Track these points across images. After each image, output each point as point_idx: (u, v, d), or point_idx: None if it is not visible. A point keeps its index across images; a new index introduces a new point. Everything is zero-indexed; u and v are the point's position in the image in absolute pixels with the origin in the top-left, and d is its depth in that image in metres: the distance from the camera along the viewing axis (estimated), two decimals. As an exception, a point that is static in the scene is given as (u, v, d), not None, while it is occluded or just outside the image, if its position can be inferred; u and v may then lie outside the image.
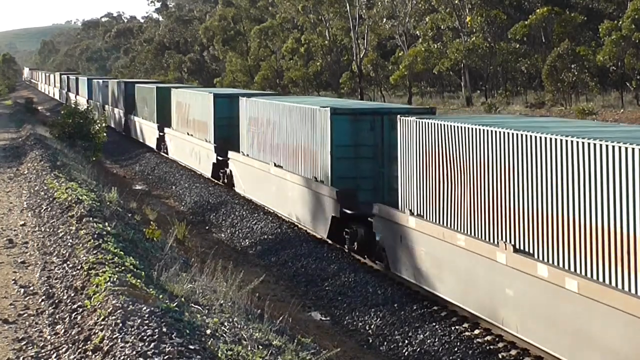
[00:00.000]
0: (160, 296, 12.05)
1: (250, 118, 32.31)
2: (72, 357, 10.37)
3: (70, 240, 16.52)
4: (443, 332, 17.30)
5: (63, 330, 11.62)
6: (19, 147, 40.23)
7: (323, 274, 22.66)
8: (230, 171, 35.34)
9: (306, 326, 17.91)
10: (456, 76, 73.37)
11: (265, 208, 30.39)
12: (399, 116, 20.63)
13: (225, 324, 11.81)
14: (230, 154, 35.09)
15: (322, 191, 24.44)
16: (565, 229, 14.00)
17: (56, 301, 13.19)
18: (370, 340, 18.02)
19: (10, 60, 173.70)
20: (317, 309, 20.36)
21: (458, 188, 17.61)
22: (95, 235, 16.07)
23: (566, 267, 13.94)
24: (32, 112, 74.53)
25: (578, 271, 13.64)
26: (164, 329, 10.10)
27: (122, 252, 14.82)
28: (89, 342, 10.36)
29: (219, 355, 10.06)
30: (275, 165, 28.74)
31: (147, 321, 10.38)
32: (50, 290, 13.91)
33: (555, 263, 14.24)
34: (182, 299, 12.50)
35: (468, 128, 17.25)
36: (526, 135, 15.23)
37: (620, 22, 53.88)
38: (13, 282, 14.91)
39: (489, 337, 16.69)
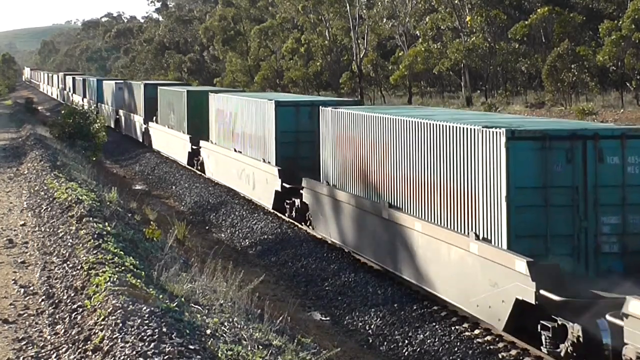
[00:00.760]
0: (160, 296, 12.05)
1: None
2: (72, 357, 10.37)
3: (70, 240, 16.52)
4: (443, 332, 17.30)
5: (63, 330, 11.62)
6: (19, 147, 40.23)
7: (323, 274, 22.67)
8: (308, 205, 26.30)
9: (306, 326, 17.91)
10: (456, 76, 73.35)
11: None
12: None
13: (225, 324, 11.81)
14: (305, 182, 26.03)
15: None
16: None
17: (56, 301, 13.18)
18: (370, 340, 18.01)
19: (10, 60, 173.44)
20: (317, 309, 20.36)
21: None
22: (95, 235, 16.07)
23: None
24: (32, 112, 74.50)
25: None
26: (164, 329, 10.10)
27: (122, 252, 14.82)
28: (89, 342, 10.36)
29: (219, 355, 10.06)
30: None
31: (147, 321, 10.38)
32: (50, 290, 13.91)
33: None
34: (182, 299, 12.50)
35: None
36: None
37: (620, 22, 53.87)
38: (13, 282, 14.91)
39: (489, 337, 16.69)
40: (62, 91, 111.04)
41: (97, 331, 10.52)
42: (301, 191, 26.56)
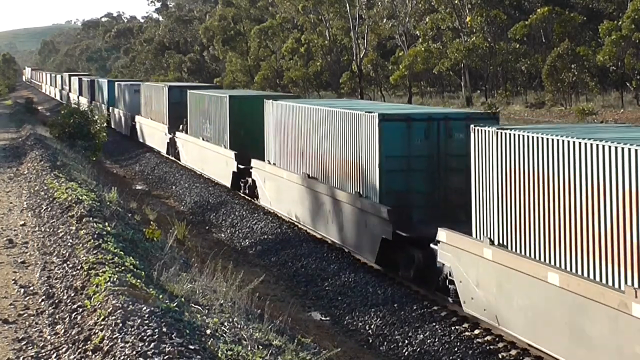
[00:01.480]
0: (160, 296, 12.05)
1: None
2: (72, 357, 10.37)
3: (70, 240, 16.51)
4: (443, 332, 17.30)
5: (63, 330, 11.62)
6: (19, 147, 40.21)
7: (323, 274, 22.67)
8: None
9: (306, 326, 17.92)
10: (456, 76, 73.35)
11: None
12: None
13: (225, 324, 11.81)
14: (446, 235, 18.28)
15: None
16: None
17: (56, 301, 13.18)
18: (370, 340, 18.02)
19: (10, 60, 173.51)
20: (317, 309, 20.36)
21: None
22: (95, 235, 16.06)
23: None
24: (32, 112, 74.46)
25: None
26: (164, 329, 10.10)
27: (122, 252, 14.81)
28: (89, 342, 10.36)
29: (219, 355, 10.06)
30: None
31: (147, 321, 10.37)
32: (50, 290, 13.91)
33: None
34: (182, 299, 12.50)
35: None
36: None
37: (620, 22, 53.87)
38: (13, 282, 14.91)
39: (489, 337, 16.70)
40: (67, 93, 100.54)
41: (97, 331, 10.52)
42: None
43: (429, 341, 17.12)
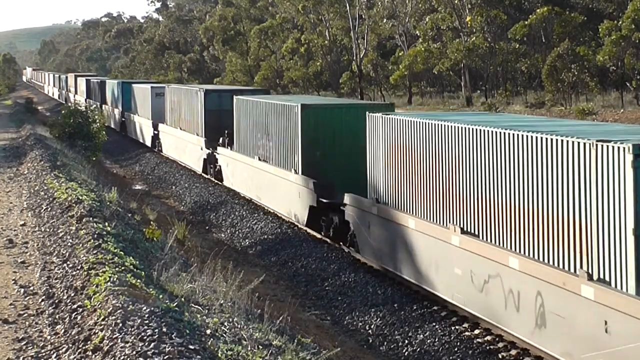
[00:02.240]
0: (160, 296, 12.05)
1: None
2: (72, 357, 10.37)
3: (70, 240, 16.51)
4: (443, 332, 17.30)
5: (63, 330, 11.62)
6: (19, 147, 40.21)
7: (323, 274, 22.67)
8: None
9: (306, 326, 17.91)
10: (456, 76, 73.37)
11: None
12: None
13: (225, 324, 11.81)
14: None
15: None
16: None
17: (56, 301, 13.18)
18: (370, 340, 18.02)
19: (10, 60, 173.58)
20: (317, 309, 20.35)
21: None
22: (95, 235, 16.06)
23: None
24: (32, 112, 74.45)
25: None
26: (164, 329, 10.10)
27: (122, 252, 14.81)
28: (89, 342, 10.36)
29: (219, 355, 10.06)
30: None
31: (147, 321, 10.37)
32: (50, 290, 13.91)
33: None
34: (182, 299, 12.50)
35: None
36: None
37: (620, 22, 53.89)
38: (13, 282, 14.90)
39: (489, 337, 16.70)
40: (73, 96, 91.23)
41: (97, 331, 10.52)
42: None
43: (429, 341, 17.12)
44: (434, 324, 17.82)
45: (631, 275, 12.56)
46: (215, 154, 37.35)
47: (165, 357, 9.24)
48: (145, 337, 9.81)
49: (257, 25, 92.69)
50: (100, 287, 12.11)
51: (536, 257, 14.80)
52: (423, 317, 18.32)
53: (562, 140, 14.05)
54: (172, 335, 9.94)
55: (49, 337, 11.60)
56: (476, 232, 16.99)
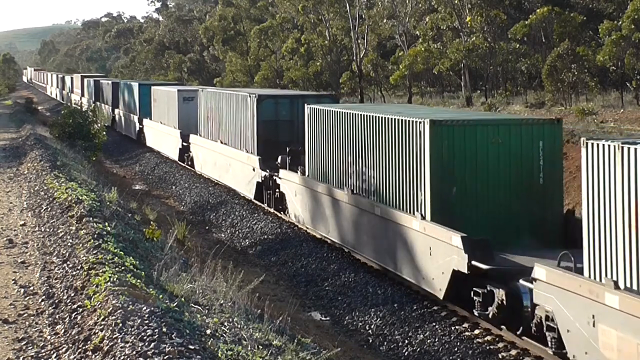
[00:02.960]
0: (160, 296, 12.05)
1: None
2: (72, 357, 10.37)
3: (70, 240, 16.52)
4: (443, 332, 17.30)
5: (63, 330, 11.62)
6: (19, 147, 40.22)
7: (323, 274, 22.67)
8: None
9: (306, 326, 17.91)
10: (456, 76, 73.36)
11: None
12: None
13: (225, 324, 11.81)
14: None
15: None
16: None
17: (56, 301, 13.18)
18: (370, 340, 18.02)
19: (10, 60, 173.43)
20: (317, 309, 20.36)
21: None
22: (95, 235, 16.06)
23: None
24: (32, 112, 74.42)
25: None
26: (164, 329, 10.10)
27: (122, 252, 14.81)
28: (89, 342, 10.36)
29: (219, 355, 10.06)
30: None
31: (147, 321, 10.37)
32: (50, 290, 13.91)
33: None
34: (182, 299, 12.50)
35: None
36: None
37: (620, 22, 53.88)
38: (13, 282, 14.91)
39: (489, 337, 16.70)
40: (80, 99, 73.75)
41: (97, 331, 10.52)
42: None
43: (429, 341, 17.12)
44: (434, 324, 17.82)
45: None
46: (274, 177, 29.33)
47: (165, 357, 9.24)
48: (145, 337, 9.81)
49: (257, 25, 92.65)
50: (100, 287, 12.12)
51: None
52: (423, 317, 18.32)
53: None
54: (172, 335, 9.94)
55: (49, 337, 11.60)
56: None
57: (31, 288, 14.38)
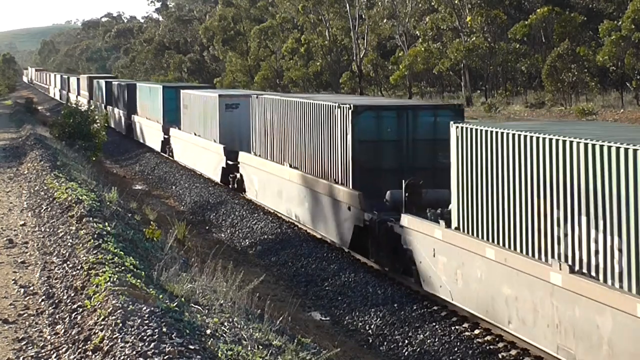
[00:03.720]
0: (160, 296, 12.05)
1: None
2: (72, 357, 10.37)
3: (70, 240, 16.52)
4: (443, 332, 17.30)
5: (63, 330, 11.62)
6: (19, 147, 40.23)
7: (323, 274, 22.67)
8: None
9: (306, 326, 17.91)
10: (456, 76, 73.38)
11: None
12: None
13: (225, 324, 11.81)
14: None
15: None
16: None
17: (56, 301, 13.19)
18: (370, 340, 18.01)
19: (10, 60, 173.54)
20: (317, 309, 20.35)
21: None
22: (95, 235, 16.06)
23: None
24: (32, 112, 74.45)
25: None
26: (164, 329, 10.10)
27: (122, 252, 14.81)
28: (89, 342, 10.36)
29: (219, 355, 10.06)
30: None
31: (147, 321, 10.37)
32: (50, 290, 13.91)
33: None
34: (182, 299, 12.51)
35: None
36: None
37: (620, 22, 53.91)
38: (13, 282, 14.91)
39: (489, 337, 16.70)
40: (87, 102, 67.78)
41: (97, 331, 10.52)
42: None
43: (429, 341, 17.12)
44: (434, 324, 17.82)
45: None
46: (390, 224, 20.60)
47: (165, 357, 9.24)
48: (145, 337, 9.81)
49: (257, 25, 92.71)
50: (100, 287, 12.12)
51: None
52: (423, 317, 18.32)
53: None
54: (172, 335, 9.94)
55: (49, 337, 11.60)
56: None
57: (31, 288, 14.39)
